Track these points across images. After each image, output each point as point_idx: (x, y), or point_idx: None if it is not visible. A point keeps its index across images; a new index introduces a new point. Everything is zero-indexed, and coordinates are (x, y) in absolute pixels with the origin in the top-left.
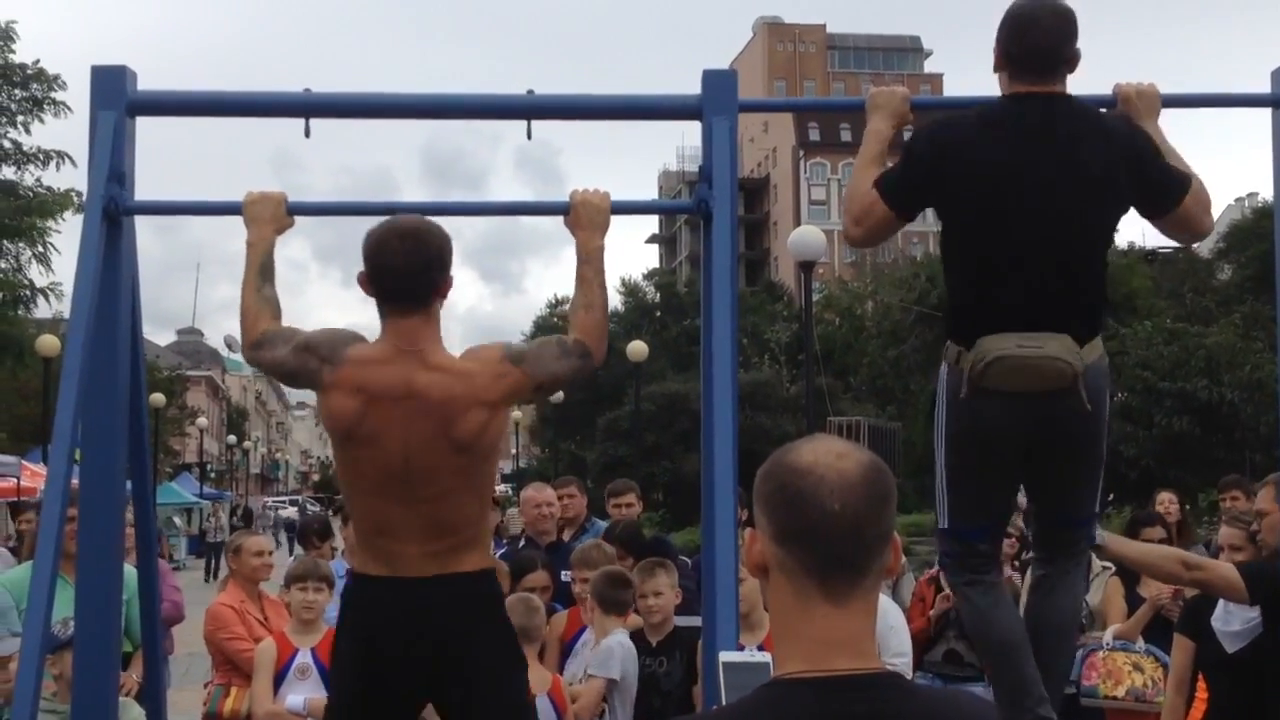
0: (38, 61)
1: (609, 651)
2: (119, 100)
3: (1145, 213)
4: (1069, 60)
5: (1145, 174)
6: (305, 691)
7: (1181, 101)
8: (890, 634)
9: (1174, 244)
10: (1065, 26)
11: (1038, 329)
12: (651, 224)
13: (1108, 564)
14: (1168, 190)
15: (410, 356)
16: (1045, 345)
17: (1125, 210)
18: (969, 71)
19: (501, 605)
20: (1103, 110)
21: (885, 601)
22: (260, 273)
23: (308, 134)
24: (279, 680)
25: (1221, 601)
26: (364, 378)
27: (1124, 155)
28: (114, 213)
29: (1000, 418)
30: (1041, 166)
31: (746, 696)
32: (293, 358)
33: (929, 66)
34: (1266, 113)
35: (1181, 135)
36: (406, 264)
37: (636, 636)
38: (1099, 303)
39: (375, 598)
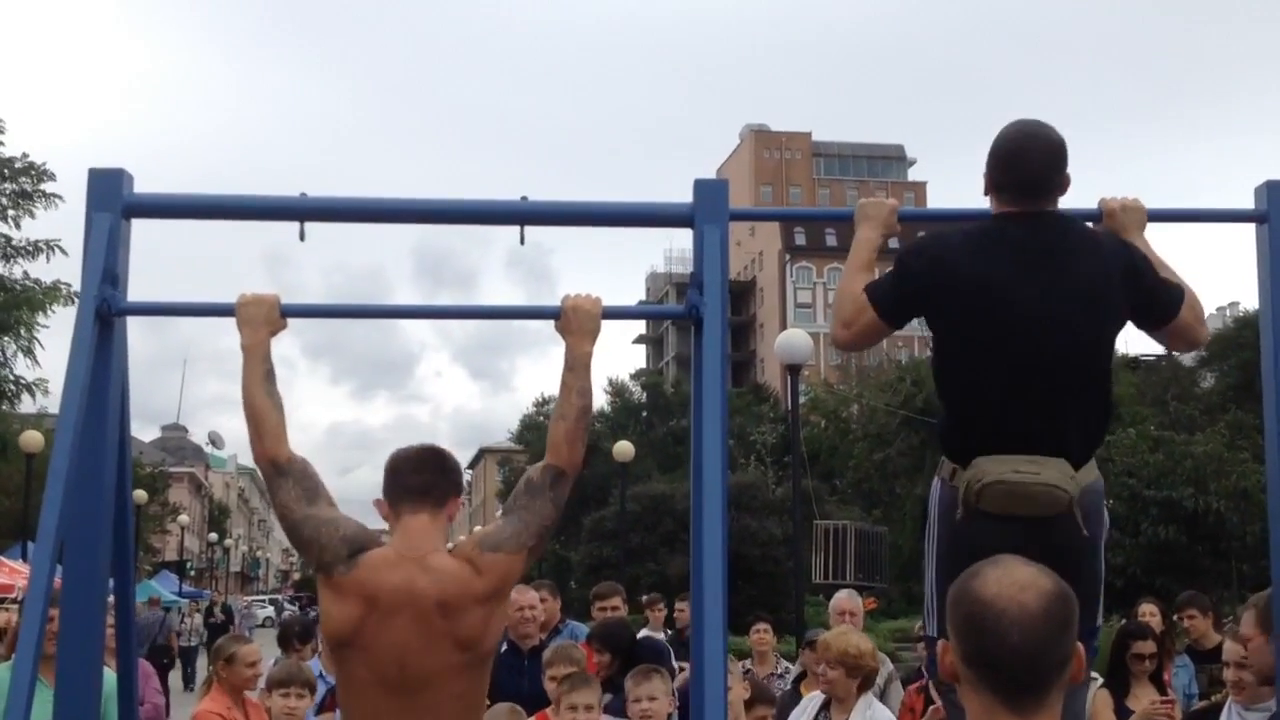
0: (26, 155)
1: None
2: (115, 203)
3: (1142, 325)
4: (1059, 186)
5: (1140, 287)
6: None
7: (1169, 216)
8: None
9: (1157, 351)
10: (1054, 158)
11: (1034, 451)
12: (638, 325)
13: (1095, 675)
14: (1165, 303)
15: (413, 562)
16: (1042, 471)
17: (1122, 325)
18: (953, 180)
19: None
20: (1093, 225)
21: (881, 712)
22: (266, 377)
23: (303, 237)
24: None
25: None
26: (370, 581)
27: (1118, 269)
28: (106, 314)
29: (994, 540)
30: (1034, 284)
31: None
32: (309, 529)
33: (913, 175)
34: (1250, 227)
35: (1165, 246)
36: (421, 465)
37: None
38: (1097, 421)
39: None
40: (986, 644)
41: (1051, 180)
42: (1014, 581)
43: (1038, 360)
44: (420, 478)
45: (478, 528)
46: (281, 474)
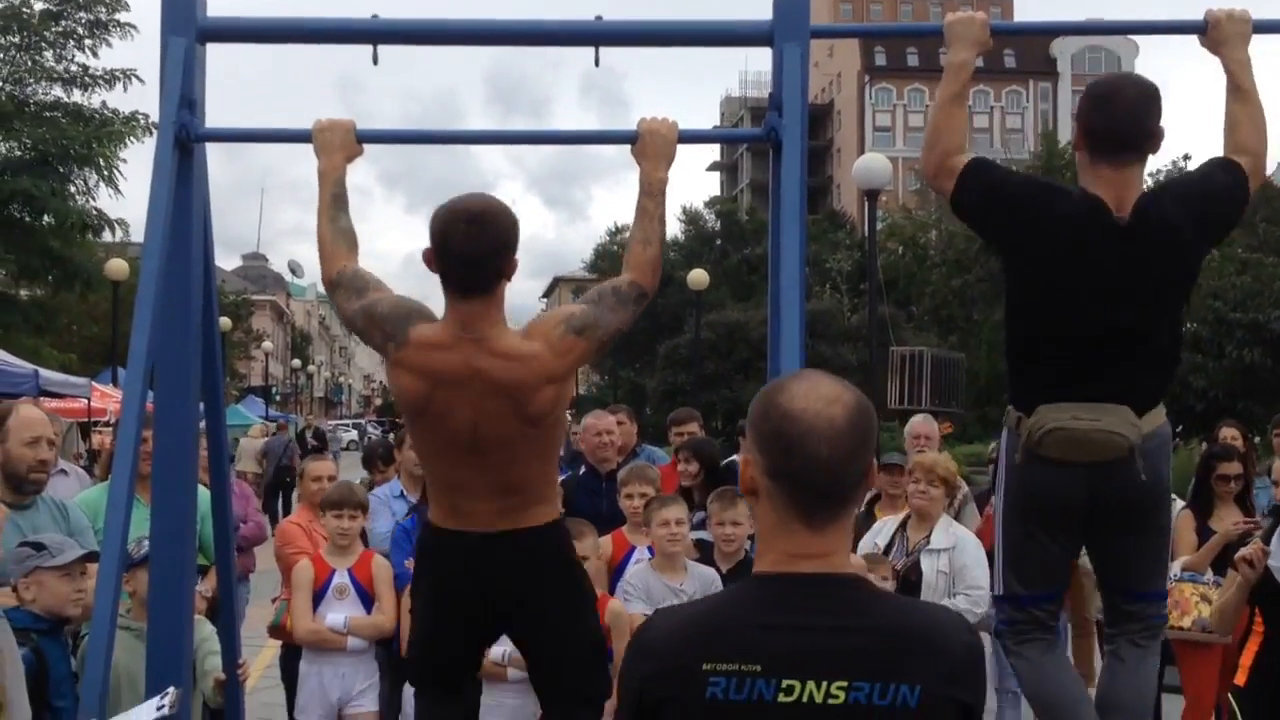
0: None
1: None
2: (189, 27)
3: None
4: (1151, 136)
5: (1226, 222)
6: (345, 609)
7: (1274, 27)
8: (965, 570)
9: None
10: (1148, 102)
11: (1097, 399)
12: (713, 152)
13: (1175, 496)
14: (1236, 220)
15: (472, 343)
16: (1102, 419)
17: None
18: None
19: (570, 551)
20: (1178, 174)
21: (966, 537)
22: (334, 202)
23: (375, 61)
24: (318, 600)
25: (1276, 536)
26: (427, 362)
27: (1206, 223)
28: (185, 140)
29: (1055, 484)
30: (1118, 267)
31: (734, 587)
32: (361, 320)
33: None
34: None
35: (1271, 58)
36: (470, 251)
37: (707, 564)
38: (1165, 369)
39: (448, 549)
40: (794, 458)
41: (1143, 125)
42: (821, 396)
43: (1110, 331)
44: (470, 269)
45: (569, 306)
46: (335, 287)
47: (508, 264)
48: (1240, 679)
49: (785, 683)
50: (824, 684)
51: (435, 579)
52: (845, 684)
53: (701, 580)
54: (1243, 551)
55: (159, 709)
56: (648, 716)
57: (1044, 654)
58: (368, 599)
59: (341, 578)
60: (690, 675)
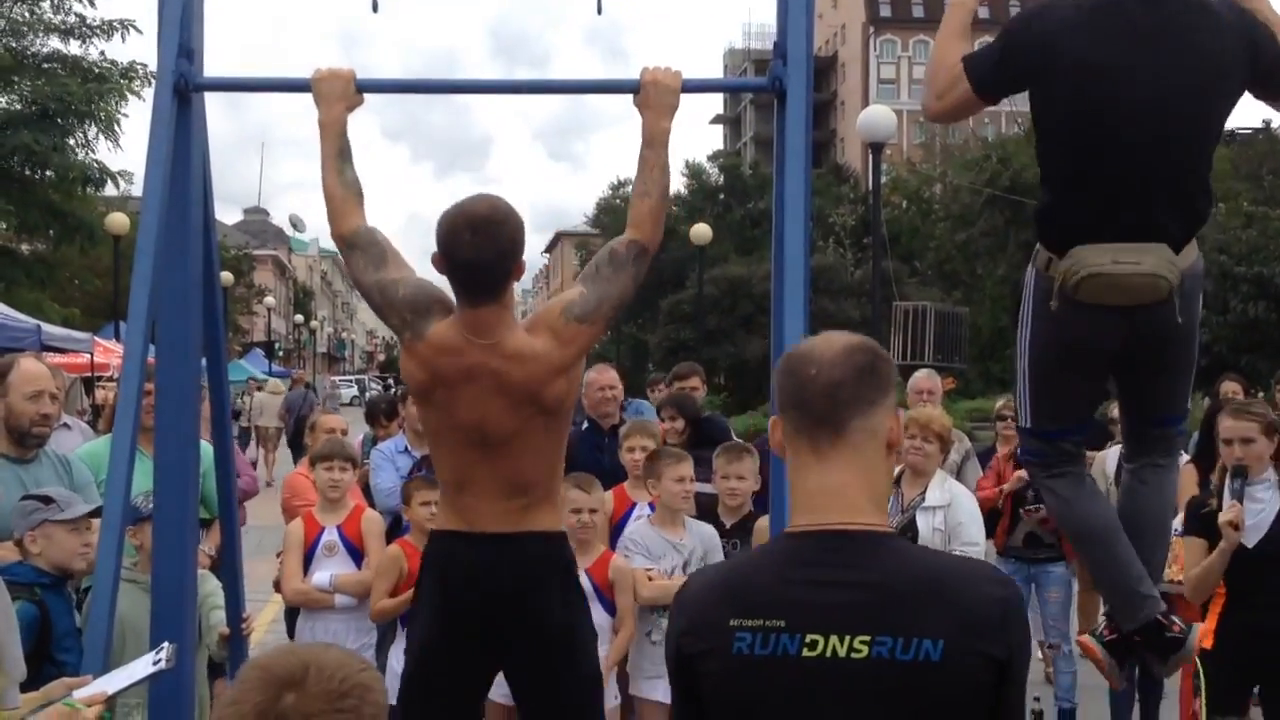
0: None
1: None
2: None
3: (1261, 97)
4: None
5: (1261, 62)
6: (333, 568)
7: None
8: (961, 528)
9: (1253, 124)
10: None
11: (1135, 237)
12: (716, 104)
13: (1183, 452)
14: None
15: (483, 349)
16: (1143, 261)
17: (1235, 102)
18: None
19: (573, 572)
20: None
21: (962, 493)
22: (339, 155)
23: (375, 8)
24: (308, 559)
25: (1227, 498)
26: (438, 362)
27: (1238, 45)
28: (184, 89)
29: (1090, 329)
30: (1146, 67)
31: (765, 544)
32: (378, 297)
33: None
34: None
35: None
36: (476, 259)
37: (710, 517)
38: (1201, 203)
39: (452, 552)
40: (792, 381)
41: None
42: (826, 337)
43: (1146, 146)
44: (476, 276)
45: (570, 291)
46: (350, 248)
47: (514, 267)
48: (1207, 642)
49: (809, 637)
50: (847, 638)
51: (437, 587)
52: (868, 638)
53: (700, 536)
54: (1226, 515)
55: (155, 663)
56: (686, 671)
57: (1074, 488)
58: (358, 555)
59: (330, 535)
60: (718, 630)
